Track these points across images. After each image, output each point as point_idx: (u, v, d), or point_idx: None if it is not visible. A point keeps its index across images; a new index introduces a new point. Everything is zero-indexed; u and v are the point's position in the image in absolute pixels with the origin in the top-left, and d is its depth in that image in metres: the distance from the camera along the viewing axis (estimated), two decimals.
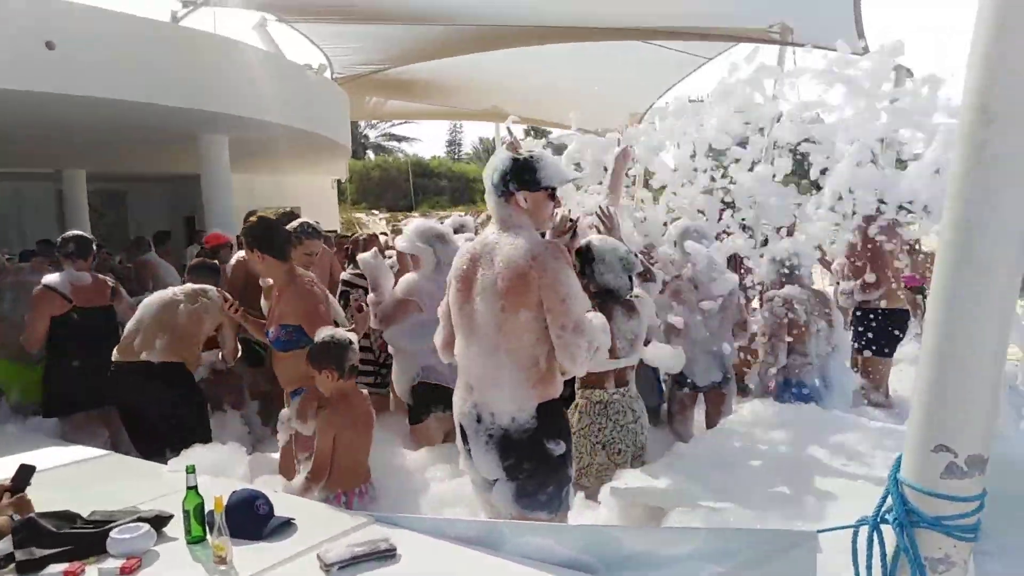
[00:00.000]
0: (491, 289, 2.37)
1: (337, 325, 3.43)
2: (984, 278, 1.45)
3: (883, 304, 4.79)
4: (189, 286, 4.18)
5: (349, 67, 10.70)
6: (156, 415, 3.85)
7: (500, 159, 2.45)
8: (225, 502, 2.20)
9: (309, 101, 8.99)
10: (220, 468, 3.22)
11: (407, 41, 10.12)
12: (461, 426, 2.54)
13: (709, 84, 4.59)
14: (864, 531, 1.59)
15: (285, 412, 3.44)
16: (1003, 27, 1.41)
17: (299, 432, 3.23)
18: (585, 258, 3.26)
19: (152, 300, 4.12)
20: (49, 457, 3.31)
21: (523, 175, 2.38)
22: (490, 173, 2.45)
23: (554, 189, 2.46)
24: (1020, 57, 1.41)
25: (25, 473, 2.56)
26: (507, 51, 10.63)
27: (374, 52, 10.40)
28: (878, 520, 1.56)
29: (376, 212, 29.53)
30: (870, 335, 4.80)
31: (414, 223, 4.10)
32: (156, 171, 11.58)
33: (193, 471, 2.30)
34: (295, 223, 3.91)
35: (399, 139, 44.71)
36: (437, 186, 34.21)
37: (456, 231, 5.69)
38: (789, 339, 4.04)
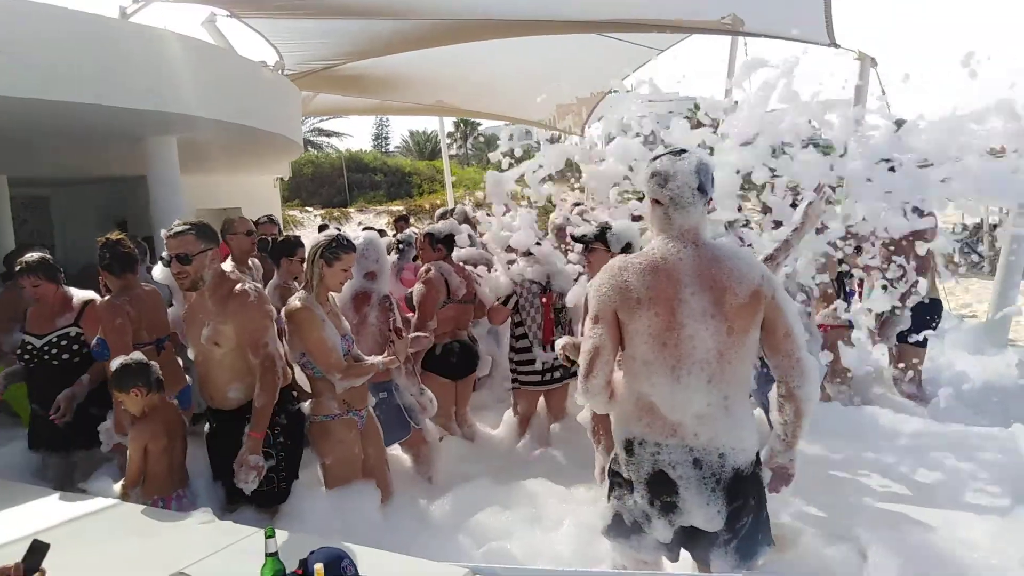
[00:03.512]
0: (713, 310, 2.05)
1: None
2: None
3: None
4: None
5: (301, 63, 10.26)
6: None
7: (695, 159, 2.11)
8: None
9: (266, 98, 8.54)
10: None
11: (360, 37, 9.77)
12: (664, 476, 2.15)
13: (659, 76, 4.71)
14: None
15: (105, 424, 3.66)
16: None
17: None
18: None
19: None
20: (56, 509, 2.99)
21: (710, 180, 2.10)
22: (691, 172, 2.10)
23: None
24: None
25: (38, 553, 2.13)
26: (454, 46, 10.42)
27: (326, 48, 9.99)
28: None
29: (310, 209, 28.69)
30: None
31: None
32: (91, 174, 10.80)
33: (272, 535, 2.06)
34: (323, 236, 3.34)
35: (328, 134, 43.61)
36: (372, 181, 33.51)
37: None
38: None
